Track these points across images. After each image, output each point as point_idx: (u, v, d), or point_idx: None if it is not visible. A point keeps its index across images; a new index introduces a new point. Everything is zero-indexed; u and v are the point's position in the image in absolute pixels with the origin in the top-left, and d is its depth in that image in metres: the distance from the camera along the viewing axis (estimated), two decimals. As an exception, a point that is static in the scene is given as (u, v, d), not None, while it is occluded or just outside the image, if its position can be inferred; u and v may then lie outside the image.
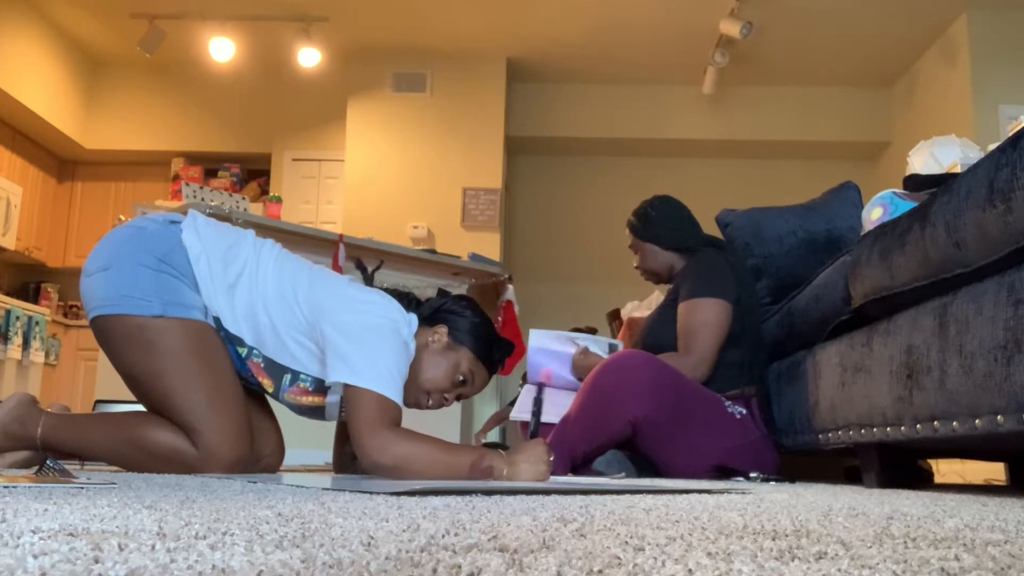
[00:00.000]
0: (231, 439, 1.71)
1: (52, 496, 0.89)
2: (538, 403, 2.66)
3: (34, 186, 6.85)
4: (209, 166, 7.01)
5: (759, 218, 2.87)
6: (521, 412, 2.66)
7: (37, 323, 5.98)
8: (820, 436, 2.17)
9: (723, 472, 2.35)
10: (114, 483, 1.15)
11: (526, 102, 6.93)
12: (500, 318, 4.57)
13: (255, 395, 1.91)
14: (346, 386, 1.60)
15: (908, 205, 1.95)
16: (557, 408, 2.56)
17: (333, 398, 1.82)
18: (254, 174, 7.12)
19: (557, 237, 7.17)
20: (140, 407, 1.81)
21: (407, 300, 1.87)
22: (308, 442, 2.79)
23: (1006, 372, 1.31)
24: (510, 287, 4.72)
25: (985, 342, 1.37)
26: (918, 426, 1.62)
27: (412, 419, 1.75)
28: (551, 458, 1.63)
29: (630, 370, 2.33)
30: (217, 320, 1.77)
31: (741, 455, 2.37)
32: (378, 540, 0.56)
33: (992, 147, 1.50)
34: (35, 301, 6.74)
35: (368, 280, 1.93)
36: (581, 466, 2.37)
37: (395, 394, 1.60)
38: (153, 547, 0.50)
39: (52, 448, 1.76)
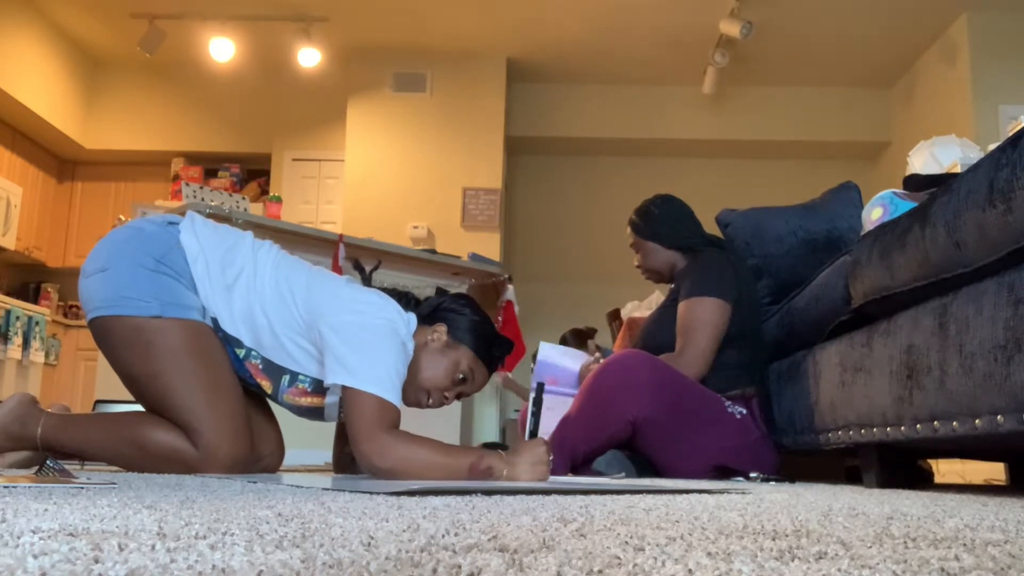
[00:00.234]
0: (231, 439, 1.71)
1: (52, 496, 0.89)
2: (538, 403, 2.66)
3: (34, 186, 6.85)
4: (209, 166, 7.01)
5: (759, 218, 2.87)
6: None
7: (37, 323, 5.98)
8: (820, 436, 2.17)
9: (723, 472, 2.35)
10: (114, 483, 1.15)
11: (526, 102, 6.93)
12: (500, 318, 4.58)
13: (255, 395, 1.91)
14: (344, 388, 1.60)
15: (908, 205, 1.95)
16: (556, 415, 2.56)
17: (332, 399, 1.81)
18: (254, 174, 7.12)
19: (557, 237, 7.17)
20: (140, 407, 1.81)
21: (405, 299, 1.86)
22: (308, 442, 2.79)
23: (1006, 372, 1.31)
24: (510, 287, 4.72)
25: (985, 342, 1.37)
26: (918, 426, 1.62)
27: (412, 420, 1.75)
28: (551, 458, 1.63)
29: (630, 370, 2.33)
30: (215, 321, 1.77)
31: (741, 455, 2.37)
32: (378, 540, 0.56)
33: (992, 147, 1.50)
34: (35, 301, 6.74)
35: (366, 280, 1.93)
36: (581, 466, 2.37)
37: (393, 396, 1.60)
38: (153, 547, 0.50)
39: (52, 448, 1.76)
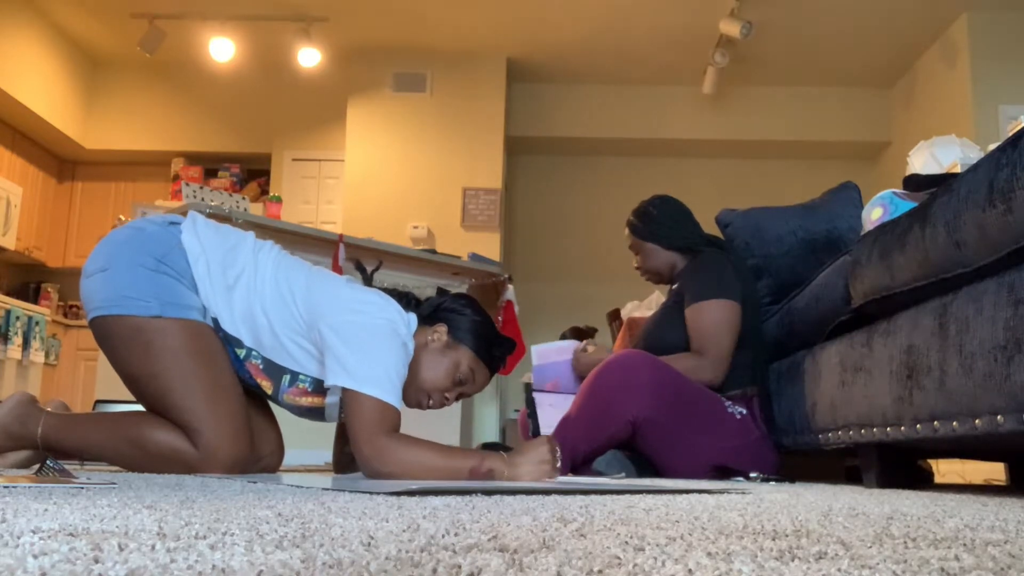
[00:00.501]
0: (230, 439, 1.71)
1: (52, 496, 0.89)
2: (531, 404, 2.67)
3: (34, 186, 6.85)
4: (209, 166, 7.01)
5: (759, 218, 2.87)
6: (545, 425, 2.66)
7: (37, 323, 5.98)
8: (820, 436, 2.17)
9: (723, 472, 2.35)
10: (114, 483, 1.15)
11: (526, 102, 6.93)
12: (500, 318, 4.58)
13: (255, 395, 1.90)
14: (344, 390, 1.60)
15: (908, 205, 1.95)
16: (559, 412, 2.57)
17: (332, 399, 1.81)
18: (254, 174, 7.12)
19: (557, 237, 7.17)
20: (140, 407, 1.81)
21: (406, 300, 1.86)
22: (308, 442, 2.79)
23: (1006, 372, 1.31)
24: (510, 287, 4.72)
25: (985, 342, 1.37)
26: (918, 426, 1.62)
27: (412, 420, 1.75)
28: (558, 455, 1.61)
29: (630, 370, 2.33)
30: (215, 321, 1.77)
31: (741, 455, 2.37)
32: (378, 540, 0.56)
33: (992, 147, 1.50)
34: (35, 301, 6.74)
35: (367, 281, 1.93)
36: (581, 466, 2.37)
37: (393, 398, 1.60)
38: (153, 547, 0.50)
39: (52, 448, 1.76)
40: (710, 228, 2.85)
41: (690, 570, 0.46)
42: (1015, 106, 5.42)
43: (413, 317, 1.79)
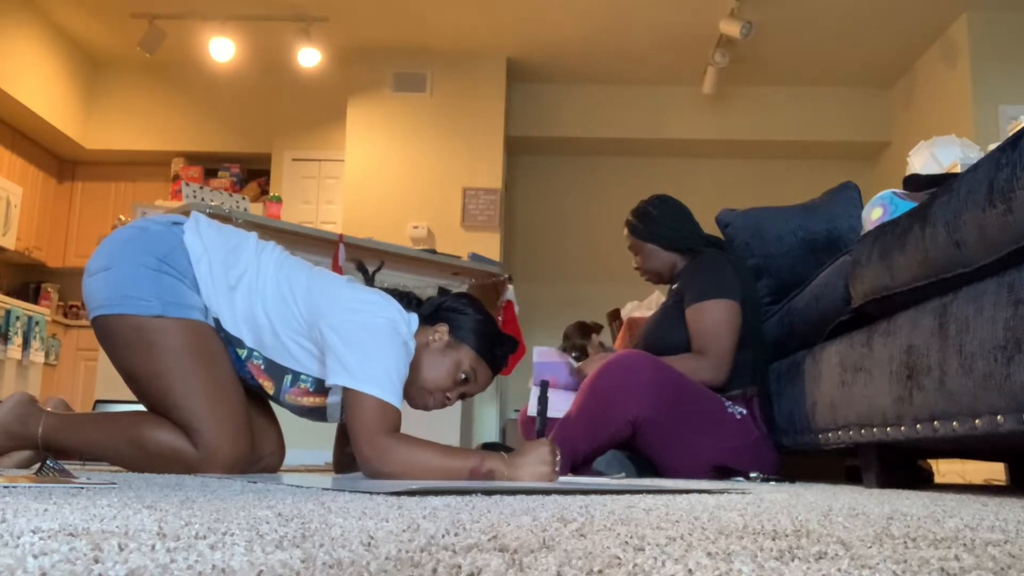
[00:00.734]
0: (231, 439, 1.71)
1: (52, 496, 0.89)
2: (544, 401, 2.66)
3: (34, 186, 6.85)
4: (209, 166, 7.01)
5: (759, 218, 2.87)
6: (533, 409, 2.67)
7: (37, 323, 5.98)
8: (820, 436, 2.17)
9: (723, 472, 2.35)
10: (114, 483, 1.15)
11: (526, 102, 6.93)
12: (500, 318, 4.58)
13: (255, 395, 1.91)
14: (345, 389, 1.60)
15: (908, 205, 1.95)
16: (563, 404, 2.57)
17: (334, 399, 1.81)
18: (254, 174, 7.12)
19: (557, 237, 7.17)
20: (140, 407, 1.82)
21: (407, 299, 1.86)
22: (308, 442, 2.79)
23: (1006, 372, 1.31)
24: (510, 287, 4.72)
25: (985, 342, 1.37)
26: (918, 426, 1.62)
27: (411, 419, 1.75)
28: (558, 457, 1.61)
29: (630, 370, 2.33)
30: (217, 321, 1.77)
31: (741, 455, 2.37)
32: (378, 540, 0.56)
33: (992, 147, 1.50)
34: (35, 301, 6.74)
35: (369, 281, 1.93)
36: (581, 466, 2.37)
37: (394, 398, 1.60)
38: (153, 547, 0.50)
39: (53, 447, 1.76)
40: (710, 228, 2.85)
41: (690, 570, 0.46)
42: (1015, 106, 5.42)
43: (414, 317, 1.79)
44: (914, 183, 2.03)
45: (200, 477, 1.54)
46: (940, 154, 2.48)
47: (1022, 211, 1.27)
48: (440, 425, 3.79)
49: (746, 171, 7.16)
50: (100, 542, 0.51)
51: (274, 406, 1.96)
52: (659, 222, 2.72)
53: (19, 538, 0.52)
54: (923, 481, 2.62)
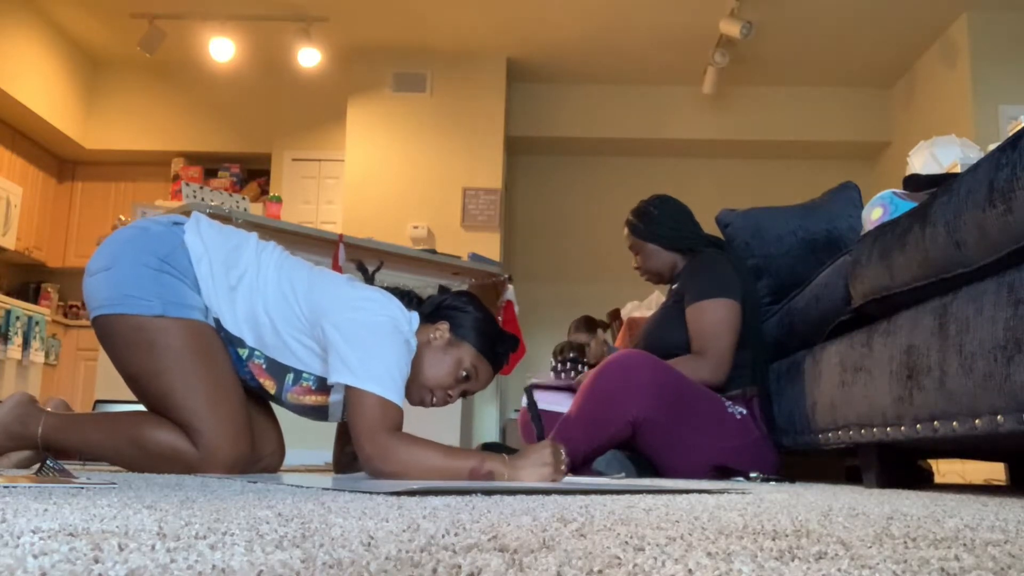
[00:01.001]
0: (231, 439, 1.71)
1: (52, 496, 0.89)
2: (533, 406, 2.67)
3: (34, 186, 6.85)
4: (209, 166, 7.01)
5: (759, 218, 2.87)
6: (547, 404, 2.67)
7: (37, 323, 5.98)
8: (820, 436, 2.17)
9: (723, 472, 2.35)
10: (114, 483, 1.15)
11: (526, 102, 6.93)
12: (500, 318, 4.57)
13: (256, 395, 1.91)
14: (347, 387, 1.60)
15: (908, 205, 1.95)
16: (558, 398, 2.58)
17: (336, 397, 1.81)
18: (254, 174, 7.12)
19: (557, 237, 7.17)
20: (140, 407, 1.82)
21: (408, 298, 1.86)
22: (308, 442, 2.79)
23: (1006, 372, 1.31)
24: (510, 287, 4.72)
25: (985, 342, 1.37)
26: (918, 426, 1.62)
27: (412, 419, 1.75)
28: (564, 456, 1.60)
29: (630, 370, 2.33)
30: (217, 321, 1.77)
31: (741, 455, 2.37)
32: (378, 540, 0.56)
33: (992, 147, 1.50)
34: (35, 301, 6.74)
35: (369, 281, 1.93)
36: (581, 466, 2.37)
37: (395, 395, 1.60)
38: (153, 547, 0.50)
39: (53, 447, 1.76)
40: (710, 228, 2.85)
41: (690, 570, 0.46)
42: (1015, 106, 5.42)
43: (415, 315, 1.79)
44: (914, 183, 2.03)
45: (200, 477, 1.54)
46: (940, 154, 2.48)
47: (1022, 211, 1.27)
48: (440, 425, 3.80)
49: (746, 171, 7.16)
50: (100, 542, 0.51)
51: (274, 406, 1.96)
52: (660, 222, 2.71)
53: (19, 538, 0.52)
54: (923, 481, 2.62)
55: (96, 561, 0.44)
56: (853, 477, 2.63)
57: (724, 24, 5.73)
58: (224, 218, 3.59)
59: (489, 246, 6.10)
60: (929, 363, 1.56)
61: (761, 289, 2.76)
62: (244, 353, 1.79)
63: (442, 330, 1.78)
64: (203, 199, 4.07)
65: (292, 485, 1.31)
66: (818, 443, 2.19)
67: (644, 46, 6.33)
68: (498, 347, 1.82)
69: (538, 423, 2.63)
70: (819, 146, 6.97)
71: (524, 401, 2.71)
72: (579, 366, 2.98)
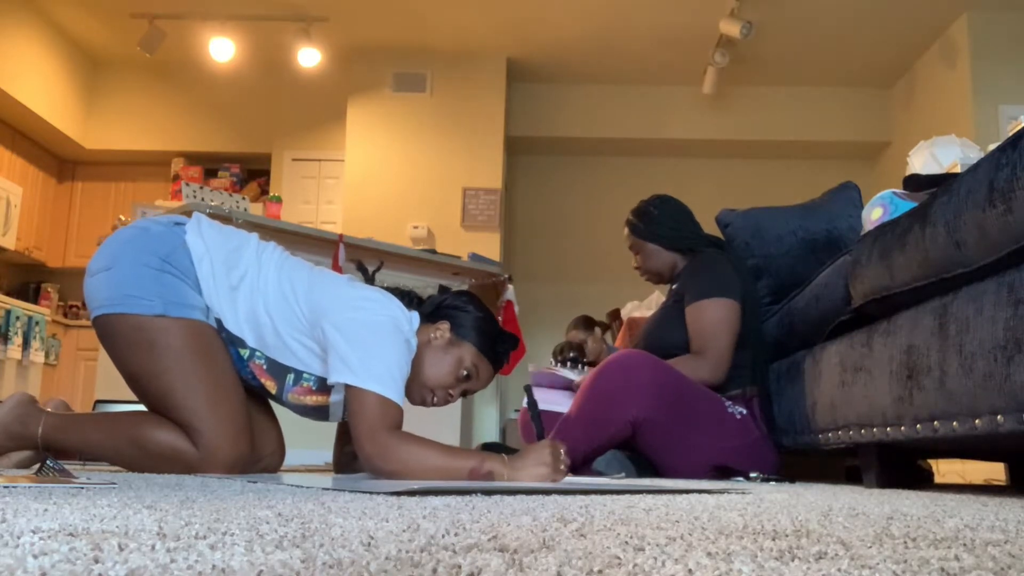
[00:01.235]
0: (231, 439, 1.71)
1: (52, 496, 0.89)
2: (533, 406, 2.66)
3: (34, 186, 6.84)
4: (209, 166, 7.01)
5: (759, 218, 2.87)
6: (547, 404, 2.67)
7: (37, 323, 5.98)
8: (820, 436, 2.17)
9: (723, 472, 2.35)
10: (114, 483, 1.15)
11: (526, 102, 6.93)
12: (500, 318, 4.58)
13: (256, 396, 1.91)
14: (347, 387, 1.60)
15: (908, 205, 1.95)
16: (558, 397, 2.58)
17: (337, 397, 1.82)
18: (254, 174, 7.12)
19: (557, 237, 7.17)
20: (141, 407, 1.82)
21: (408, 298, 1.86)
22: (308, 442, 2.79)
23: (1006, 372, 1.31)
24: (510, 287, 4.72)
25: (985, 342, 1.37)
26: (918, 426, 1.62)
27: (412, 419, 1.75)
28: (564, 455, 1.60)
29: (630, 369, 2.33)
30: (219, 321, 1.77)
31: (741, 455, 2.37)
32: (378, 540, 0.56)
33: (992, 147, 1.50)
34: (35, 301, 6.74)
35: (369, 281, 1.93)
36: (581, 466, 2.37)
37: (396, 395, 1.60)
38: (153, 547, 0.50)
39: (53, 448, 1.76)
40: (710, 228, 2.85)
41: (690, 570, 0.46)
42: (1015, 106, 5.42)
43: (415, 315, 1.79)
44: (914, 183, 2.03)
45: (200, 477, 1.54)
46: (940, 154, 2.48)
47: (1022, 211, 1.27)
48: (440, 425, 3.80)
49: (746, 171, 7.16)
50: (100, 542, 0.51)
51: (275, 406, 1.96)
52: (660, 222, 2.71)
53: (19, 538, 0.52)
54: (923, 481, 2.62)
55: (96, 561, 0.44)
56: (853, 477, 2.63)
57: (724, 24, 5.73)
58: (224, 218, 3.59)
59: (489, 246, 6.10)
60: (929, 363, 1.56)
61: (761, 289, 2.76)
62: (245, 353, 1.79)
63: (443, 329, 1.78)
64: (203, 199, 4.07)
65: (292, 485, 1.31)
66: (818, 443, 2.19)
67: (644, 46, 6.33)
68: (498, 346, 1.82)
69: (538, 423, 2.63)
70: (819, 146, 6.97)
71: (524, 401, 2.71)
72: (580, 365, 2.98)
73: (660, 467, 2.41)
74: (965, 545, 0.61)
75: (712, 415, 2.39)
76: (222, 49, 6.15)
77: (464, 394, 1.84)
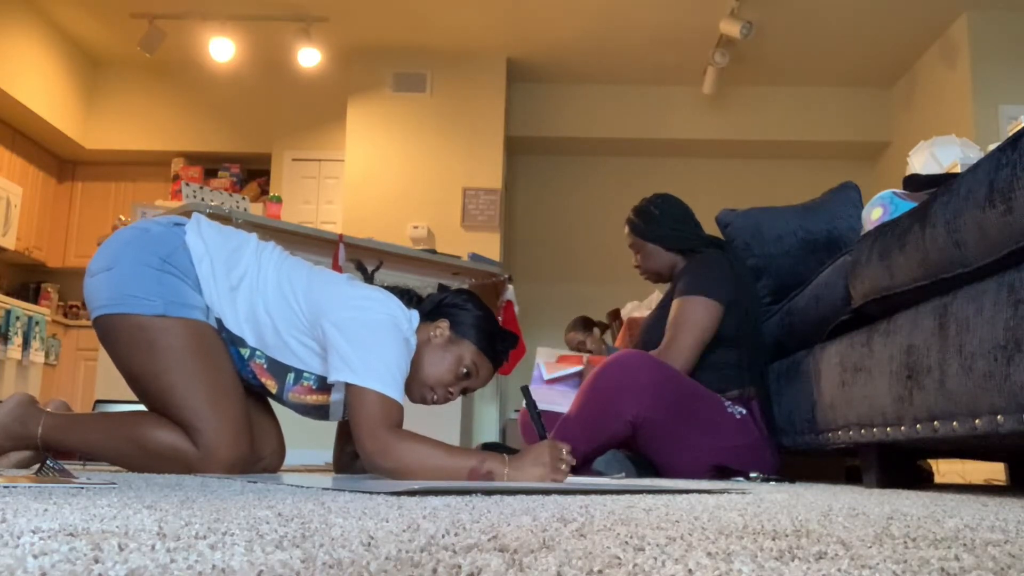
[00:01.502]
0: (231, 438, 1.71)
1: (52, 496, 0.89)
2: (533, 405, 2.66)
3: (34, 186, 6.84)
4: (209, 166, 7.01)
5: (759, 218, 2.87)
6: (547, 404, 2.66)
7: (37, 323, 5.98)
8: (820, 436, 2.17)
9: (723, 472, 2.35)
10: (114, 483, 1.15)
11: (526, 102, 6.93)
12: (500, 318, 4.58)
13: (256, 395, 1.91)
14: (347, 385, 1.60)
15: (908, 205, 1.95)
16: (557, 396, 2.57)
17: (337, 396, 1.82)
18: (254, 174, 7.12)
19: (557, 237, 7.17)
20: (141, 407, 1.82)
21: (408, 297, 1.87)
22: (308, 442, 2.79)
23: (1006, 372, 1.31)
24: (510, 287, 4.72)
25: (985, 342, 1.37)
26: (918, 426, 1.62)
27: (412, 419, 1.75)
28: (566, 454, 1.60)
29: (630, 370, 2.33)
30: (219, 321, 1.77)
31: (741, 455, 2.37)
32: (378, 540, 0.56)
33: (992, 147, 1.50)
34: (35, 301, 6.74)
35: (368, 280, 1.94)
36: (581, 466, 2.37)
37: (396, 393, 1.60)
38: (153, 547, 0.50)
39: (53, 448, 1.76)
40: (710, 228, 2.85)
41: (690, 570, 0.46)
42: (1015, 106, 5.42)
43: (415, 313, 1.79)
44: (914, 183, 2.03)
45: (200, 477, 1.54)
46: (940, 154, 2.48)
47: (1022, 211, 1.27)
48: (440, 424, 3.80)
49: (746, 171, 7.16)
50: (100, 542, 0.51)
51: (275, 406, 1.97)
52: (660, 222, 2.71)
53: (19, 538, 0.52)
54: (923, 481, 2.63)
55: (96, 561, 0.44)
56: (853, 477, 2.63)
57: (724, 24, 5.73)
58: (224, 218, 3.59)
59: (489, 246, 6.10)
60: (929, 363, 1.56)
61: (761, 289, 2.76)
62: (246, 353, 1.79)
63: (442, 328, 1.78)
64: (203, 199, 4.07)
65: (292, 485, 1.31)
66: (818, 443, 2.19)
67: (644, 46, 6.33)
68: (498, 344, 1.83)
69: (539, 423, 2.63)
70: (819, 146, 6.97)
71: (524, 402, 2.71)
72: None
73: (660, 467, 2.41)
74: (965, 545, 0.61)
75: (712, 415, 2.39)
76: (222, 49, 6.15)
77: (464, 392, 1.84)
